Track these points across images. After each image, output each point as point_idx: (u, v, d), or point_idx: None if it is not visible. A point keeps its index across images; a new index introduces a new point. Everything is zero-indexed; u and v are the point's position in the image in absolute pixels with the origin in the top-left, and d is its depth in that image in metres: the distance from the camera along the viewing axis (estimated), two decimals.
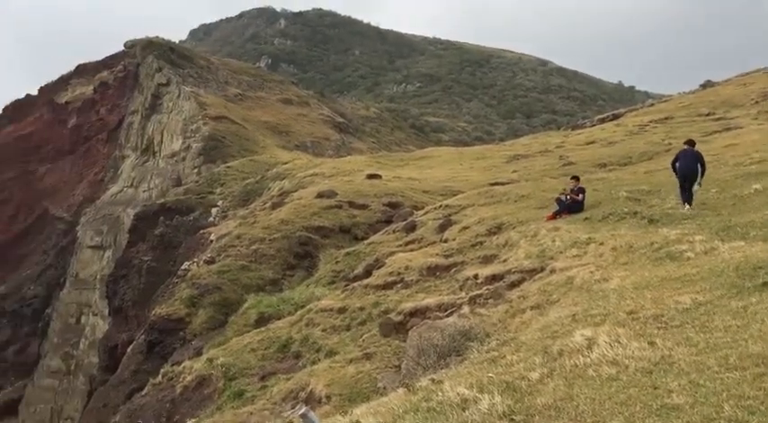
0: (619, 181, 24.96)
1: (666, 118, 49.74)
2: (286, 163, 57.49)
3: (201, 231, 40.09)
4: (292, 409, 13.10)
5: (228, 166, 60.45)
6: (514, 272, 15.17)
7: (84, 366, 60.18)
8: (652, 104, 65.11)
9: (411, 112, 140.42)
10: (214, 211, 48.24)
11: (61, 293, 68.68)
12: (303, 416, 5.95)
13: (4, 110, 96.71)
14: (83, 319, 65.30)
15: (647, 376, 5.97)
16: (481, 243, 19.83)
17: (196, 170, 66.03)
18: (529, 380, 6.38)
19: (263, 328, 20.03)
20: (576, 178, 21.24)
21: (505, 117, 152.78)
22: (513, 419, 5.58)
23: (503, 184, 32.38)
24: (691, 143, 18.23)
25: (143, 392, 18.38)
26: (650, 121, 49.72)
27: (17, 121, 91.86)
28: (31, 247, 78.95)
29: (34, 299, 70.81)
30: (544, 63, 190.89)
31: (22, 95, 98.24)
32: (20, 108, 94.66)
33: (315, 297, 21.75)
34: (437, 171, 48.07)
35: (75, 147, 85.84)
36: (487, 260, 17.88)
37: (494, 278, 15.56)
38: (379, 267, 21.33)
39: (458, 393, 6.22)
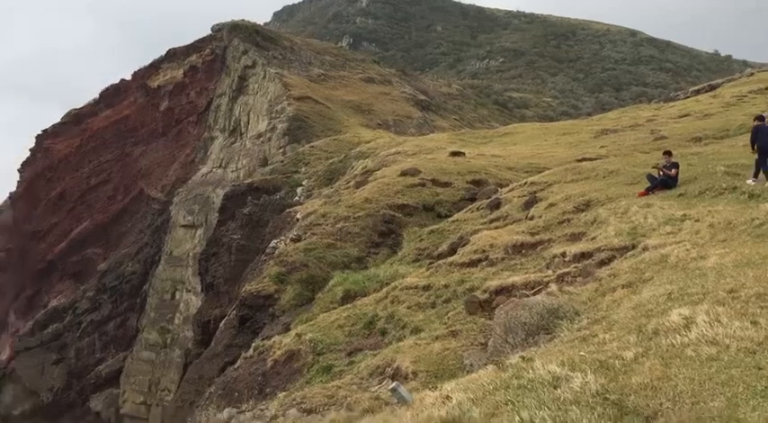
0: (715, 155, 23.84)
1: (767, 88, 47.08)
2: (369, 142, 57.80)
3: (288, 210, 40.91)
4: (379, 384, 13.29)
5: (313, 146, 61.32)
6: (604, 250, 14.77)
7: (179, 340, 62.85)
8: (751, 74, 61.69)
9: (494, 88, 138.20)
10: (299, 190, 49.12)
11: (157, 270, 71.70)
12: (393, 390, 6.01)
13: (101, 95, 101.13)
14: (177, 295, 68.05)
15: (750, 357, 5.71)
16: (568, 220, 19.39)
17: (281, 150, 67.31)
18: (623, 359, 6.22)
19: (349, 305, 20.33)
20: (668, 153, 20.41)
21: (593, 91, 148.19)
22: (606, 398, 5.46)
23: (590, 159, 31.49)
24: (761, 118, 18.22)
25: (236, 366, 19.02)
26: (749, 92, 47.17)
27: (114, 105, 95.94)
28: (129, 226, 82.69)
29: (132, 276, 74.24)
30: (634, 33, 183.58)
31: (117, 80, 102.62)
32: (116, 93, 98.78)
33: (399, 275, 21.87)
34: (521, 147, 47.24)
35: (167, 129, 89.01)
36: (575, 238, 17.48)
37: (582, 256, 15.20)
38: (463, 245, 21.21)
39: (549, 371, 6.13)
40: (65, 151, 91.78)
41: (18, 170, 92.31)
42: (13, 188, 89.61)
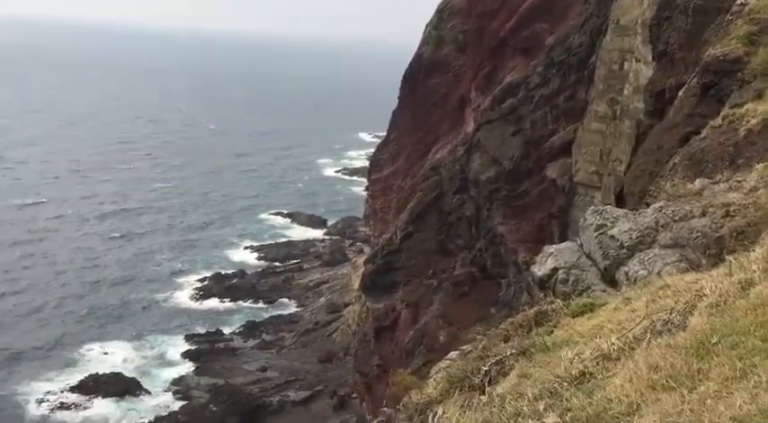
0: None
1: None
2: None
3: None
4: None
5: None
6: None
7: (629, 111, 61.88)
8: None
9: None
10: None
11: (604, 41, 69.97)
12: None
13: None
14: (626, 65, 65.86)
15: None
16: None
17: None
18: None
19: None
20: None
21: None
22: None
23: None
24: None
25: (701, 135, 17.83)
26: None
27: None
28: None
29: (579, 48, 73.91)
30: None
31: None
32: None
33: None
34: None
35: None
36: None
37: None
38: None
39: None
40: None
41: None
42: None
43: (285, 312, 78.05)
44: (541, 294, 11.76)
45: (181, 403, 58.79)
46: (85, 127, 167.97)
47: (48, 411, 56.11)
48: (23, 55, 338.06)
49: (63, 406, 56.88)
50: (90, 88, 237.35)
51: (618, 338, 4.46)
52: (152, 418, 55.87)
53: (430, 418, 5.47)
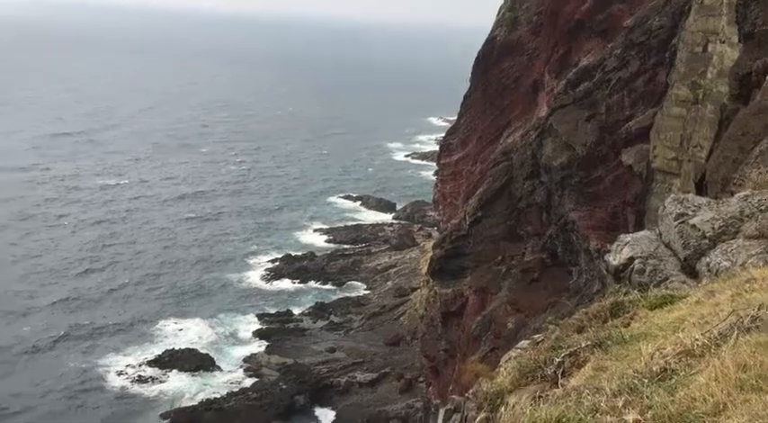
0: None
1: None
2: None
3: None
4: None
5: None
6: None
7: (712, 95, 59.35)
8: None
9: None
10: None
11: (686, 22, 67.32)
12: None
13: None
14: (709, 47, 63.21)
15: None
16: None
17: None
18: None
19: None
20: None
21: None
22: None
23: None
24: None
25: None
26: None
27: None
28: None
29: (660, 30, 71.23)
30: None
31: None
32: None
33: None
34: None
35: None
36: None
37: None
38: None
39: None
40: None
41: None
42: None
43: (353, 295, 78.86)
44: (616, 284, 11.43)
45: (252, 380, 60.32)
46: (163, 111, 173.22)
47: (127, 383, 58.52)
48: (101, 38, 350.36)
49: (141, 379, 59.19)
50: (165, 72, 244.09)
51: (702, 334, 4.26)
52: (224, 393, 57.50)
53: (502, 408, 5.39)
